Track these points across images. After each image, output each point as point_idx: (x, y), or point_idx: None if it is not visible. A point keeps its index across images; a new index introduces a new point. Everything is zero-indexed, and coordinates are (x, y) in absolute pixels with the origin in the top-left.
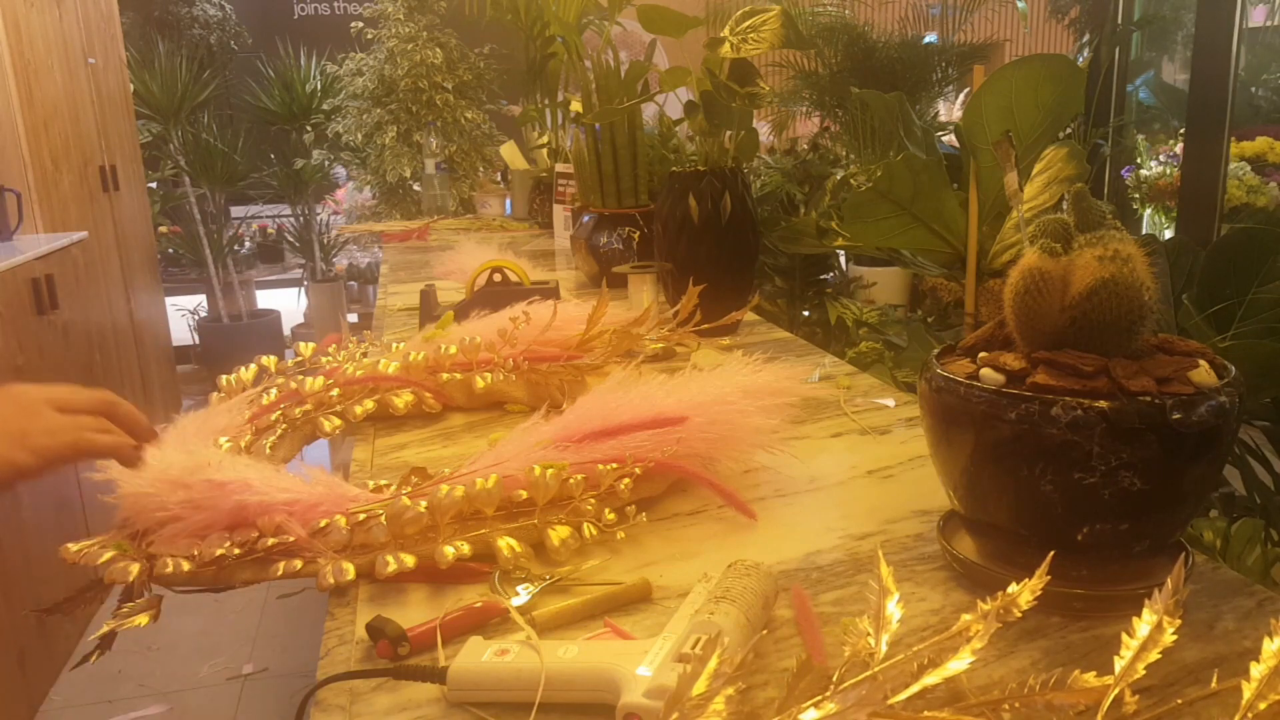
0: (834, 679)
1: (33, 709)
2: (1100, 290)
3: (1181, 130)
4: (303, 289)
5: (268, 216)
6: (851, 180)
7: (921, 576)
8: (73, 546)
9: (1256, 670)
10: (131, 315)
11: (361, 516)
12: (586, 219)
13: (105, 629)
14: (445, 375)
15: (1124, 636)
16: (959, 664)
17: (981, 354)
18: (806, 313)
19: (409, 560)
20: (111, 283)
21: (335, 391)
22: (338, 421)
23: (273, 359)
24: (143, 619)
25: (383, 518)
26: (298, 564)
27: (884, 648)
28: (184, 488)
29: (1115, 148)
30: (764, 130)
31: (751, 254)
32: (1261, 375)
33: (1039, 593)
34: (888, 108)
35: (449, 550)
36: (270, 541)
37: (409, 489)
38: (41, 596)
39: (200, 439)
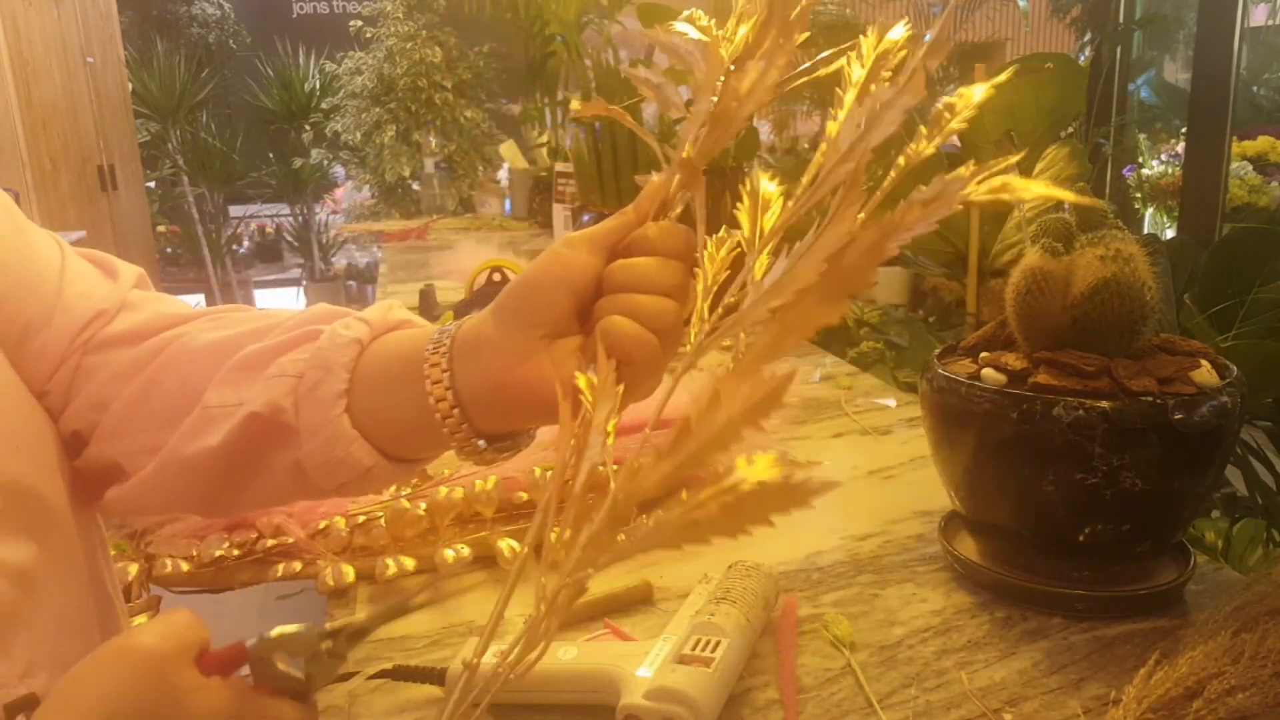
0: None
1: None
2: (1102, 290)
3: (1183, 129)
4: (301, 288)
5: (266, 216)
6: None
7: (923, 577)
8: None
9: None
10: None
11: (361, 518)
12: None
13: None
14: None
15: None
16: None
17: (983, 354)
18: None
19: (409, 563)
20: None
21: None
22: None
23: None
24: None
25: (382, 520)
26: (297, 566)
27: None
28: None
29: (1117, 147)
30: (765, 129)
31: None
32: (1263, 375)
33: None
34: None
35: (449, 553)
36: (269, 543)
37: (408, 490)
38: None
39: None
